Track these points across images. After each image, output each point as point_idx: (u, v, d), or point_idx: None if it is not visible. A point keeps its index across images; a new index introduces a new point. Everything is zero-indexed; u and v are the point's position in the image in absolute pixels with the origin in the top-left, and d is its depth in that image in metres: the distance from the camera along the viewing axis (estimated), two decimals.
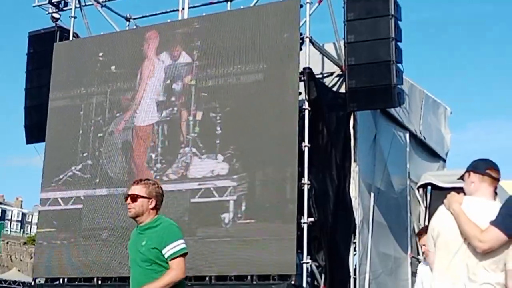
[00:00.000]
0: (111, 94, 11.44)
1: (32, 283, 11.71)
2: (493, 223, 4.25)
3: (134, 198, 4.75)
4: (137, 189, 4.78)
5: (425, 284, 6.33)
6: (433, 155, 13.76)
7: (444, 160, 14.20)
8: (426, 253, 5.68)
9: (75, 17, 12.41)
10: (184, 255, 4.66)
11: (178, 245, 4.66)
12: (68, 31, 12.40)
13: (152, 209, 4.80)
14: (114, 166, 11.07)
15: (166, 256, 4.62)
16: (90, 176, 11.20)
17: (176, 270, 4.60)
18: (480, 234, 4.27)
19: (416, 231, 12.30)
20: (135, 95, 11.17)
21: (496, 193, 4.60)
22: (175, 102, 10.78)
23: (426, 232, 4.97)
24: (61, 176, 11.43)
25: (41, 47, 12.42)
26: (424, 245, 5.93)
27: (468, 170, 4.61)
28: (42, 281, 11.34)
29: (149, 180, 4.89)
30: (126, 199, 4.76)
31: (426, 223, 12.07)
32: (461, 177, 4.65)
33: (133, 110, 11.11)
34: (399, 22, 10.04)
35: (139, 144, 10.91)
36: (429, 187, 12.54)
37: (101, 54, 11.70)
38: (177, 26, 11.36)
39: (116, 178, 11.01)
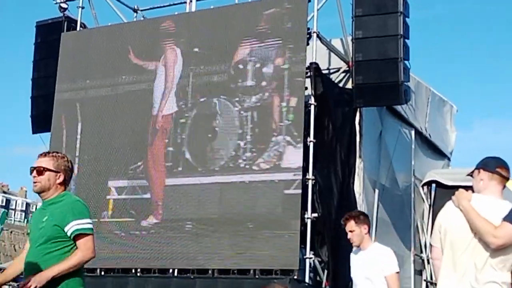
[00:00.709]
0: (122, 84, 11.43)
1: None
2: (507, 219, 4.24)
3: (41, 171, 4.30)
4: (44, 162, 4.33)
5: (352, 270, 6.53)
6: (438, 153, 13.74)
7: (449, 158, 14.19)
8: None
9: (83, 8, 12.40)
10: (91, 235, 4.25)
11: (84, 223, 4.24)
12: (76, 21, 12.41)
13: (60, 184, 4.37)
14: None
15: (68, 233, 4.20)
16: (172, 164, 10.65)
17: (83, 251, 4.20)
18: (494, 229, 4.25)
19: (420, 229, 12.31)
20: (164, 84, 11.03)
21: None
22: (266, 87, 10.30)
23: None
24: (139, 163, 10.93)
25: (49, 37, 12.42)
26: None
27: (478, 167, 4.59)
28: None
29: (57, 152, 4.49)
30: (31, 172, 4.32)
31: (430, 221, 12.07)
32: (471, 174, 4.63)
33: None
34: (407, 19, 10.01)
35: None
36: (433, 185, 12.53)
37: (109, 45, 11.71)
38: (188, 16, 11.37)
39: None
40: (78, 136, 11.54)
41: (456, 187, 4.66)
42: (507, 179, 4.56)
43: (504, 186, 4.57)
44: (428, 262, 12.26)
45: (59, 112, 11.79)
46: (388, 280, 6.16)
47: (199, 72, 10.72)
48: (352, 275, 6.56)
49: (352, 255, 6.60)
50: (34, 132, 12.48)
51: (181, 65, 10.92)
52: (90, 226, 4.26)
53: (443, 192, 11.52)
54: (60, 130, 11.73)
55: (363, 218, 6.42)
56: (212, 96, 10.51)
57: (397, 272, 6.25)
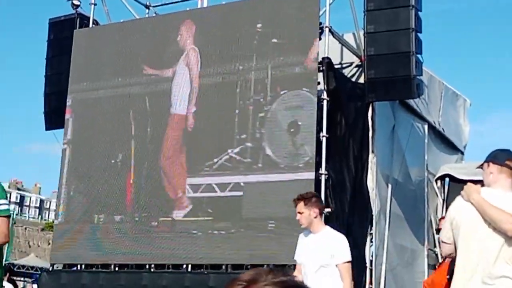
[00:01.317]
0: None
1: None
2: None
3: None
4: None
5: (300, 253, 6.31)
6: (451, 147, 13.69)
7: (463, 153, 14.13)
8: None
9: (95, 4, 12.45)
10: (7, 217, 4.05)
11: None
12: (88, 18, 12.45)
13: None
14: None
15: None
16: (251, 160, 10.22)
17: None
18: (510, 217, 4.24)
19: (433, 223, 12.27)
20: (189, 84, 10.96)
21: None
22: None
23: None
24: (215, 160, 10.48)
25: (61, 34, 12.47)
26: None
27: (487, 160, 4.58)
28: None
29: None
30: None
31: (444, 215, 12.03)
32: (481, 166, 4.62)
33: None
34: (419, 12, 9.97)
35: None
36: (447, 179, 12.50)
37: (121, 42, 11.75)
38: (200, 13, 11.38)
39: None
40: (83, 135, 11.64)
41: (470, 181, 4.65)
42: None
43: None
44: (442, 257, 12.23)
45: (71, 109, 11.84)
46: (340, 268, 6.05)
47: (278, 63, 10.30)
48: (301, 257, 6.34)
49: (301, 237, 6.40)
50: (47, 129, 12.54)
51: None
52: (6, 207, 4.05)
53: (456, 186, 11.47)
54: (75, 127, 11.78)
55: (315, 201, 6.23)
56: (294, 88, 10.15)
57: (349, 261, 6.14)
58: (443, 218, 5.07)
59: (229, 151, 10.28)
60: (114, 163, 11.23)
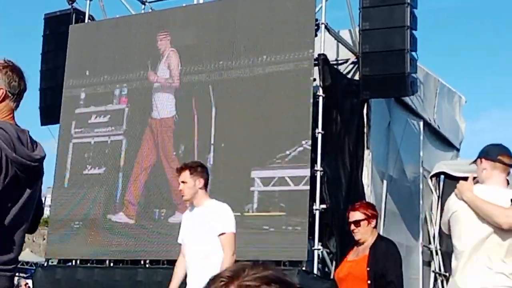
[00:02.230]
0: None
1: None
2: None
3: None
4: None
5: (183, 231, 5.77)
6: (447, 144, 13.71)
7: (458, 150, 14.15)
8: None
9: (90, 0, 12.42)
10: None
11: None
12: (84, 13, 12.43)
13: None
14: None
15: None
16: None
17: None
18: (505, 210, 4.25)
19: (428, 220, 12.30)
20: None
21: (508, 182, 4.56)
22: None
23: None
24: (287, 152, 10.04)
25: (57, 29, 12.44)
26: None
27: (479, 157, 4.57)
28: None
29: None
30: None
31: (439, 212, 12.06)
32: (474, 162, 4.62)
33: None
34: (414, 10, 9.98)
35: None
36: (442, 176, 12.52)
37: (117, 38, 11.74)
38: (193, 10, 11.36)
39: None
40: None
41: (465, 178, 4.65)
42: (510, 166, 4.53)
43: (509, 173, 4.55)
44: (437, 253, 12.26)
45: (67, 105, 11.81)
46: (221, 240, 5.45)
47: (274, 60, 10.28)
48: (182, 236, 5.78)
49: (185, 214, 5.85)
50: (42, 124, 12.51)
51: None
52: None
53: (451, 183, 11.49)
54: (68, 123, 11.76)
55: (201, 171, 5.63)
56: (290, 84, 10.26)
57: (234, 233, 5.52)
58: None
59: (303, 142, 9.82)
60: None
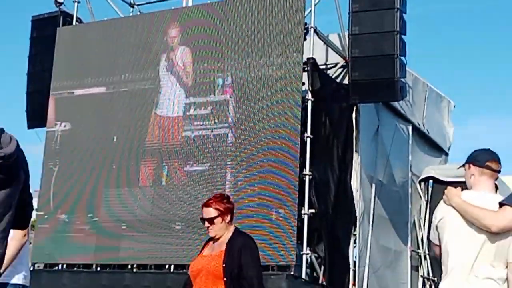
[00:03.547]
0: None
1: None
2: (507, 202, 4.23)
3: None
4: None
5: None
6: (435, 148, 13.71)
7: (447, 154, 14.15)
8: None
9: (78, 2, 12.34)
10: None
11: None
12: (72, 15, 12.35)
13: None
14: None
15: None
16: None
17: None
18: (494, 213, 4.23)
19: (417, 224, 12.30)
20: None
21: (497, 187, 4.55)
22: None
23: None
24: None
25: (44, 32, 12.35)
26: None
27: (468, 162, 4.55)
28: None
29: None
30: None
31: (427, 217, 12.06)
32: (462, 166, 4.60)
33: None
34: (404, 15, 9.98)
35: None
36: (430, 181, 12.51)
37: (105, 41, 11.68)
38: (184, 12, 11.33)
39: None
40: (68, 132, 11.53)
41: (453, 183, 4.64)
42: (498, 171, 4.52)
43: (497, 178, 4.54)
44: (425, 258, 12.26)
45: (53, 108, 11.74)
46: None
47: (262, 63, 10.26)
48: None
49: None
50: (29, 127, 12.43)
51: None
52: None
53: (440, 188, 11.49)
54: (55, 126, 11.67)
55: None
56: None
57: None
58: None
59: None
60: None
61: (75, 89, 11.66)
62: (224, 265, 5.10)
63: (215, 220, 5.30)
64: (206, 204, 5.39)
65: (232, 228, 5.37)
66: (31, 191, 3.45)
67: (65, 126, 11.59)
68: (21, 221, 3.40)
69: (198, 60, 10.75)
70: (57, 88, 11.78)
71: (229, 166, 10.11)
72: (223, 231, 5.31)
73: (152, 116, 10.90)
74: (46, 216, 11.34)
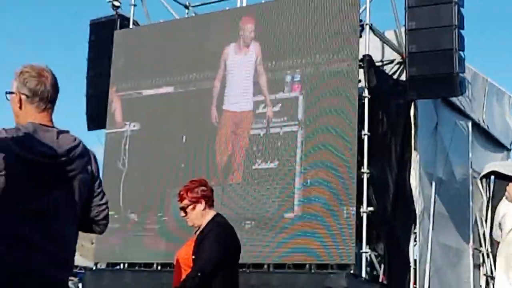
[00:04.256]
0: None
1: None
2: None
3: None
4: None
5: None
6: (497, 144, 13.47)
7: (509, 150, 13.89)
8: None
9: (135, 5, 12.50)
10: None
11: None
12: (128, 19, 12.52)
13: None
14: None
15: None
16: None
17: None
18: None
19: (478, 222, 12.10)
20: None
21: None
22: None
23: None
24: None
25: (102, 35, 12.55)
26: None
27: None
28: None
29: None
30: None
31: (490, 214, 11.86)
32: None
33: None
34: (461, 8, 9.83)
35: None
36: (492, 177, 12.28)
37: (161, 42, 11.78)
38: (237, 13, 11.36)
39: None
40: (129, 134, 11.65)
41: None
42: None
43: None
44: (488, 256, 12.05)
45: (120, 108, 11.87)
46: None
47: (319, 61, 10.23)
48: None
49: None
50: (89, 129, 12.64)
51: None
52: None
53: (502, 184, 11.24)
54: (125, 127, 11.79)
55: None
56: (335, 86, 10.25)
57: None
58: None
59: None
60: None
61: (142, 90, 11.76)
62: (193, 257, 4.89)
63: (187, 210, 5.06)
64: (179, 193, 5.12)
65: (209, 216, 5.06)
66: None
67: (134, 126, 11.71)
68: (89, 223, 3.45)
69: (264, 56, 10.71)
70: (123, 89, 11.89)
71: (297, 163, 10.05)
72: (199, 219, 5.03)
73: (222, 112, 10.91)
74: (116, 216, 11.33)
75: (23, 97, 3.26)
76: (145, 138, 11.57)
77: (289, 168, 10.09)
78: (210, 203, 5.09)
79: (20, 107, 3.27)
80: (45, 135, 3.21)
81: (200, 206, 5.03)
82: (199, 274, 4.73)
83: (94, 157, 3.45)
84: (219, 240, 4.88)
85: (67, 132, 3.34)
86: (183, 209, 5.07)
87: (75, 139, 3.33)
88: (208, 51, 11.27)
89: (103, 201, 3.48)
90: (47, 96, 3.28)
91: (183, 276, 4.93)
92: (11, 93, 3.29)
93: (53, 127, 3.29)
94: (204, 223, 5.01)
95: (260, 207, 10.19)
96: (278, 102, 10.45)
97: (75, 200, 3.29)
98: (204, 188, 5.11)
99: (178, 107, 11.39)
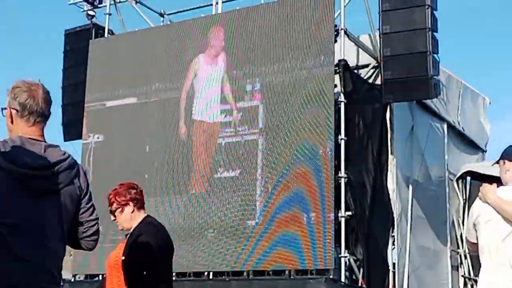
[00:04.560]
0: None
1: None
2: None
3: None
4: None
5: None
6: (472, 146, 13.57)
7: (484, 151, 14.00)
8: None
9: (110, 14, 12.49)
10: None
11: None
12: (103, 28, 12.49)
13: None
14: None
15: None
16: None
17: None
18: None
19: (455, 223, 12.17)
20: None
21: None
22: None
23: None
24: None
25: (77, 45, 12.51)
26: None
27: (502, 158, 4.54)
28: None
29: None
30: None
31: (466, 215, 11.93)
32: (497, 162, 4.59)
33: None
34: (435, 12, 9.91)
35: None
36: (468, 179, 12.38)
37: (137, 51, 11.76)
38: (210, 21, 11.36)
39: None
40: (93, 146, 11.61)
41: (491, 178, 4.61)
42: None
43: None
44: (466, 257, 12.12)
45: (88, 120, 11.84)
46: None
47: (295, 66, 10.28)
48: None
49: None
50: (65, 140, 12.57)
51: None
52: None
53: (478, 185, 11.35)
54: (89, 138, 11.76)
55: None
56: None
57: None
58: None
59: None
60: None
61: (107, 101, 11.76)
62: (123, 258, 4.85)
63: (116, 213, 5.02)
64: (108, 198, 5.08)
65: (139, 219, 5.00)
66: None
67: (98, 138, 11.68)
68: (78, 239, 3.42)
69: (231, 66, 10.76)
70: (90, 101, 11.89)
71: (259, 171, 10.10)
72: (127, 222, 4.98)
73: (189, 122, 10.91)
74: None
75: (13, 111, 3.26)
76: (109, 149, 11.55)
77: (250, 176, 10.18)
78: (139, 206, 5.05)
79: (12, 122, 3.28)
80: (32, 148, 3.21)
81: (129, 209, 5.00)
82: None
83: (84, 172, 3.43)
84: (150, 240, 4.84)
85: (57, 146, 3.33)
86: (112, 213, 5.06)
87: (64, 153, 3.31)
88: (179, 60, 11.30)
89: (92, 217, 3.45)
90: (36, 109, 3.26)
91: (114, 279, 4.89)
92: (4, 108, 3.30)
93: (43, 141, 3.28)
94: (134, 225, 4.96)
95: (222, 216, 10.24)
96: (241, 110, 10.53)
97: (61, 214, 3.27)
98: (132, 191, 5.07)
99: (142, 118, 11.38)
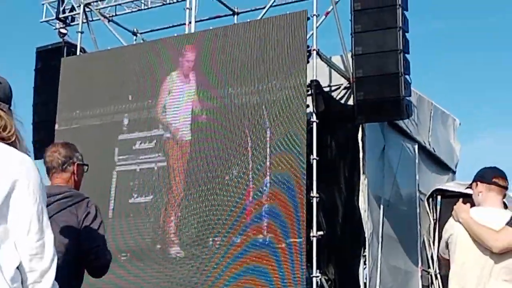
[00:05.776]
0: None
1: None
2: (510, 223, 4.25)
3: None
4: None
5: None
6: (442, 166, 13.69)
7: (454, 172, 14.13)
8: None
9: (82, 32, 12.45)
10: None
11: None
12: (75, 46, 12.44)
13: None
14: None
15: None
16: None
17: None
18: (495, 233, 4.26)
19: (426, 243, 12.23)
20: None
21: (506, 205, 4.56)
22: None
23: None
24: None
25: (49, 63, 12.44)
26: None
27: (475, 180, 4.59)
28: None
29: None
30: None
31: (437, 235, 12.00)
32: (470, 186, 4.64)
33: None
34: (406, 34, 10.01)
35: None
36: (438, 198, 12.46)
37: (109, 69, 11.70)
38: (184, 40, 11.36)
39: None
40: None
41: (460, 195, 4.66)
42: (506, 188, 4.55)
43: (505, 195, 4.56)
44: (436, 277, 12.17)
45: (59, 139, 11.73)
46: None
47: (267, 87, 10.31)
48: None
49: None
50: (36, 158, 12.42)
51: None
52: None
53: (448, 204, 11.44)
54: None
55: None
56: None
57: None
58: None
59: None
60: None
61: (74, 121, 11.67)
62: None
63: None
64: None
65: None
66: None
67: None
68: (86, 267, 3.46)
69: (201, 85, 10.75)
70: (61, 119, 11.79)
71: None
72: None
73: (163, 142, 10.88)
74: None
75: None
76: None
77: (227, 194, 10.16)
78: None
79: None
80: None
81: None
82: None
83: (87, 202, 3.40)
84: None
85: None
86: None
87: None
88: (149, 79, 11.24)
89: (95, 244, 3.45)
90: None
91: None
92: None
93: None
94: None
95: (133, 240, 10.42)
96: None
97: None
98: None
99: (113, 138, 11.31)
